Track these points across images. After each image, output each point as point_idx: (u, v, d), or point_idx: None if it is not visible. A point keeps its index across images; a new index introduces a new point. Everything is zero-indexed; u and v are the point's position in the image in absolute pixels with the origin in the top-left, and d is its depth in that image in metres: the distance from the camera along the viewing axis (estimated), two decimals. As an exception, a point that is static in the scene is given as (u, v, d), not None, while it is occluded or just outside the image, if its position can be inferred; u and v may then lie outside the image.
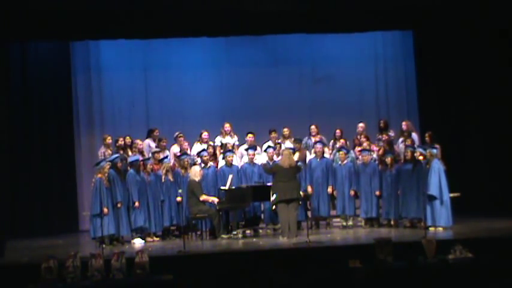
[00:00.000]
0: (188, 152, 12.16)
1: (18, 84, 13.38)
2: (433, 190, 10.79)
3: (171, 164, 11.92)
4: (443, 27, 12.94)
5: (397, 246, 8.69)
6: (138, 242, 11.17)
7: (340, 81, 14.54)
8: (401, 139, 12.36)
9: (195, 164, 11.78)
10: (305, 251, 9.60)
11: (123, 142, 12.04)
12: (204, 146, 12.25)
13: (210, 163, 11.91)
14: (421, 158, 11.17)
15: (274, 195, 10.88)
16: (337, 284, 8.31)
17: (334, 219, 12.39)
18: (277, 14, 11.68)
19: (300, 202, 11.02)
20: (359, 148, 12.29)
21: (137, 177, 11.29)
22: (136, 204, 11.18)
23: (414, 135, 12.25)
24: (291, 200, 10.78)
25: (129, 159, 11.56)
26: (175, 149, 12.38)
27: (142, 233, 11.31)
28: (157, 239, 11.45)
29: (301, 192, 11.08)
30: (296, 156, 11.63)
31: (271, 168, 11.24)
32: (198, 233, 11.66)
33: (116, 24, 11.74)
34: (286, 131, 12.76)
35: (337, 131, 12.64)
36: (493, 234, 10.07)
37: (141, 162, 11.49)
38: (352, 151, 12.38)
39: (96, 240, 10.82)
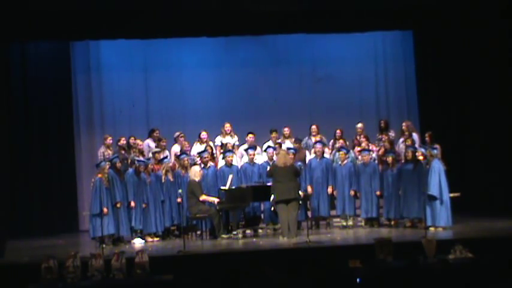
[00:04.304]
0: (188, 152, 12.17)
1: (18, 84, 13.37)
2: (433, 190, 10.80)
3: (171, 164, 11.92)
4: (443, 27, 12.94)
5: (397, 246, 8.69)
6: (138, 242, 11.17)
7: (340, 81, 14.54)
8: (401, 139, 12.37)
9: (195, 164, 11.79)
10: (305, 251, 9.60)
11: (125, 142, 12.05)
12: (204, 146, 12.25)
13: (210, 163, 11.92)
14: (421, 158, 11.18)
15: (273, 196, 10.89)
16: (337, 284, 8.31)
17: (334, 219, 12.38)
18: (277, 14, 11.67)
19: (300, 202, 11.02)
20: (358, 148, 12.30)
21: (134, 177, 11.30)
22: (132, 204, 11.19)
23: (415, 136, 12.26)
24: (290, 200, 10.77)
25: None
26: (176, 148, 12.39)
27: (142, 233, 11.32)
28: (157, 239, 11.45)
29: (301, 192, 11.08)
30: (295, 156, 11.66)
31: (269, 170, 11.25)
32: (198, 233, 11.67)
33: (116, 24, 11.74)
34: (286, 130, 12.77)
35: (338, 131, 12.64)
36: (493, 234, 10.08)
37: (143, 167, 11.49)
38: (351, 151, 12.38)
39: (96, 240, 10.83)
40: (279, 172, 10.89)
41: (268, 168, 11.33)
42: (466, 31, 12.96)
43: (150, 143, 12.46)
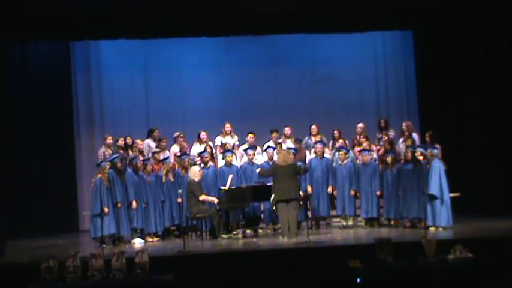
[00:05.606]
0: (188, 152, 12.18)
1: (18, 84, 13.36)
2: (433, 190, 10.80)
3: (171, 164, 11.92)
4: (443, 27, 12.93)
5: (397, 246, 8.68)
6: (138, 242, 11.17)
7: (340, 81, 14.54)
8: (402, 139, 12.37)
9: (195, 164, 11.79)
10: (305, 251, 9.60)
11: (123, 142, 12.05)
12: (203, 146, 12.25)
13: (210, 163, 11.92)
14: (421, 157, 11.18)
15: (273, 195, 10.90)
16: (337, 284, 8.32)
17: (334, 219, 12.39)
18: (277, 14, 11.67)
19: (301, 202, 11.02)
20: (358, 148, 12.30)
21: (135, 177, 11.30)
22: (134, 204, 11.19)
23: (415, 136, 12.26)
24: (290, 200, 10.77)
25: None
26: (175, 149, 12.39)
27: (142, 233, 11.33)
28: (157, 239, 11.46)
29: (301, 192, 11.08)
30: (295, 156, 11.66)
31: (268, 170, 11.25)
32: (198, 233, 11.67)
33: (116, 24, 11.73)
34: (287, 130, 12.78)
35: (335, 131, 12.65)
36: (493, 234, 10.08)
37: (141, 162, 11.49)
38: (351, 151, 12.38)
39: (96, 240, 10.83)
40: (279, 171, 10.89)
41: (269, 168, 11.33)
42: (466, 31, 12.95)
43: (150, 143, 12.46)
